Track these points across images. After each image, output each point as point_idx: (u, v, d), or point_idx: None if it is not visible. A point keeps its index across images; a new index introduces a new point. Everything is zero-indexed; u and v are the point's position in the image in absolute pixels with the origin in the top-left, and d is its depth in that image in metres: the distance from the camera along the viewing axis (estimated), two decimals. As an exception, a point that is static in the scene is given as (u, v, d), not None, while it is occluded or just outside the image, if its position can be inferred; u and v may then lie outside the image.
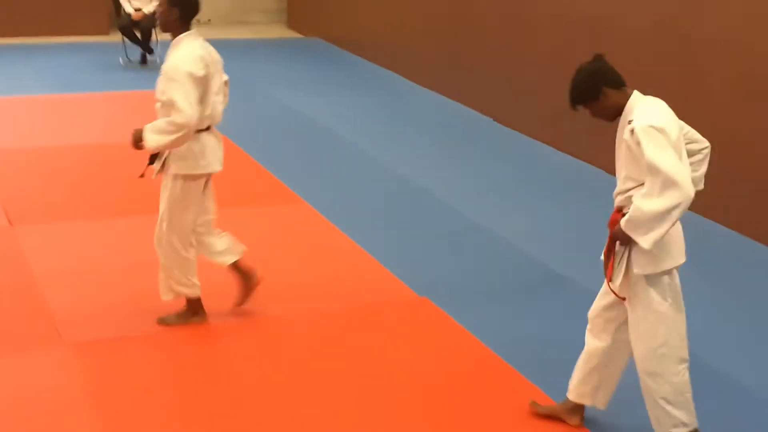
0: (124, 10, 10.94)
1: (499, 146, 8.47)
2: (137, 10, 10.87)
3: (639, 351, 3.82)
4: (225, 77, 4.86)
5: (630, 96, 3.72)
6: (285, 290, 5.32)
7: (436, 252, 6.11)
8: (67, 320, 4.90)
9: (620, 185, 3.75)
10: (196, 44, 4.68)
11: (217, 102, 4.74)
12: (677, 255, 3.76)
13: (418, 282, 5.56)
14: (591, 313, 4.01)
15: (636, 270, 3.72)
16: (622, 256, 3.76)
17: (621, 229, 3.66)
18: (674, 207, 3.51)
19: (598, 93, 3.71)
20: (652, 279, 3.73)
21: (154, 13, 10.88)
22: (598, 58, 3.79)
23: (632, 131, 3.59)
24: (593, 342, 3.99)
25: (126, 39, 11.04)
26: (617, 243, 3.75)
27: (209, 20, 13.90)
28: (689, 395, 3.83)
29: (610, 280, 3.82)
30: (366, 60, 11.80)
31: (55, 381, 4.39)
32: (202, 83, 4.56)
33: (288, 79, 10.80)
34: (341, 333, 4.96)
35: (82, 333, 4.79)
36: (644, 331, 3.78)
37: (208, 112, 4.63)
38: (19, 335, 4.77)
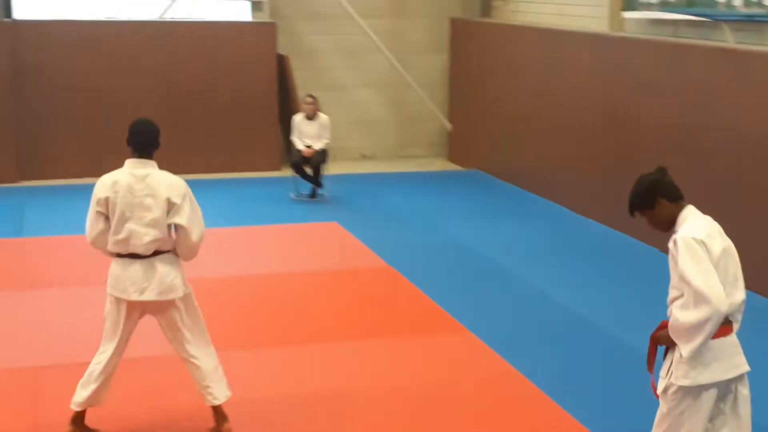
0: (295, 147, 11.53)
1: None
2: (308, 146, 11.43)
3: None
4: None
5: (684, 209, 3.97)
6: (451, 419, 5.33)
7: (603, 384, 6.00)
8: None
9: (670, 294, 3.95)
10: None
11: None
12: (720, 371, 3.84)
13: (587, 416, 5.46)
14: None
15: (672, 380, 3.89)
16: (670, 366, 3.94)
17: (667, 334, 3.89)
18: (707, 320, 3.67)
19: (653, 203, 4.00)
20: (688, 390, 3.87)
21: (324, 150, 11.44)
22: (660, 170, 4.07)
23: (675, 242, 3.84)
24: None
25: (297, 174, 11.59)
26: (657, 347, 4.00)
27: (373, 154, 14.43)
28: None
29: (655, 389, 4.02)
30: (525, 190, 11.94)
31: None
32: None
33: (450, 210, 11.03)
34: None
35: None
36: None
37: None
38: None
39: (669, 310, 3.93)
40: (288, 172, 11.91)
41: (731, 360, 3.88)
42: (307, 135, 11.51)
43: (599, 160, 10.41)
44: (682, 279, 3.74)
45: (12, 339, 6.63)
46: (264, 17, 13.55)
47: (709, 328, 3.68)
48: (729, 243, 3.93)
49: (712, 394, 3.88)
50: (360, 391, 5.80)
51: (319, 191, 11.63)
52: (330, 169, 11.75)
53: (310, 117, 11.50)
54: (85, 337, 6.63)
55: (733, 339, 3.91)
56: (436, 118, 14.41)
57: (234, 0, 13.80)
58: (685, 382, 3.84)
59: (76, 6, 13.29)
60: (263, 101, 13.19)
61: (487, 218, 10.73)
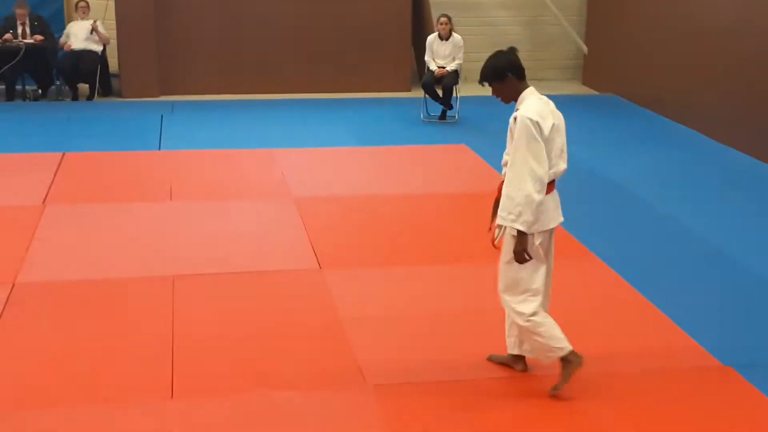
0: (428, 67, 11.44)
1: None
2: (440, 67, 11.32)
3: None
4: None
5: (527, 88, 4.63)
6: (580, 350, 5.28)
7: (743, 321, 5.82)
8: (370, 363, 5.16)
9: (504, 158, 4.73)
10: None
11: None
12: (545, 222, 4.70)
13: (722, 350, 5.33)
14: None
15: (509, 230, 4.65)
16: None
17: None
18: (535, 191, 4.51)
19: (504, 77, 4.63)
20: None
21: (455, 71, 11.32)
22: (512, 49, 4.70)
23: (515, 118, 4.56)
24: None
25: (427, 95, 11.53)
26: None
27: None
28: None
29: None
30: (664, 117, 11.55)
31: (356, 421, 4.61)
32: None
33: (585, 138, 10.77)
34: (636, 396, 4.84)
35: (384, 376, 5.01)
36: None
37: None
38: (324, 374, 5.05)
39: (503, 170, 4.70)
40: (419, 93, 11.85)
41: (553, 213, 4.74)
42: (440, 55, 11.40)
43: (744, 88, 9.94)
44: (516, 153, 4.51)
45: (150, 248, 6.90)
46: (399, -64, 13.37)
47: (537, 197, 4.51)
48: (559, 121, 4.65)
49: (540, 239, 4.69)
50: (485, 311, 5.80)
51: (449, 113, 11.55)
52: (461, 91, 11.63)
53: (444, 37, 11.37)
54: (217, 249, 6.88)
55: (555, 196, 4.79)
56: (571, 40, 14.03)
57: None
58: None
59: None
60: (396, 21, 13.11)
61: (622, 145, 10.45)
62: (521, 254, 4.61)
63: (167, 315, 5.73)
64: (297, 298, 6.06)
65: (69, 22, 12.67)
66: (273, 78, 12.90)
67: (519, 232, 4.56)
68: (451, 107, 11.50)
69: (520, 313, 4.75)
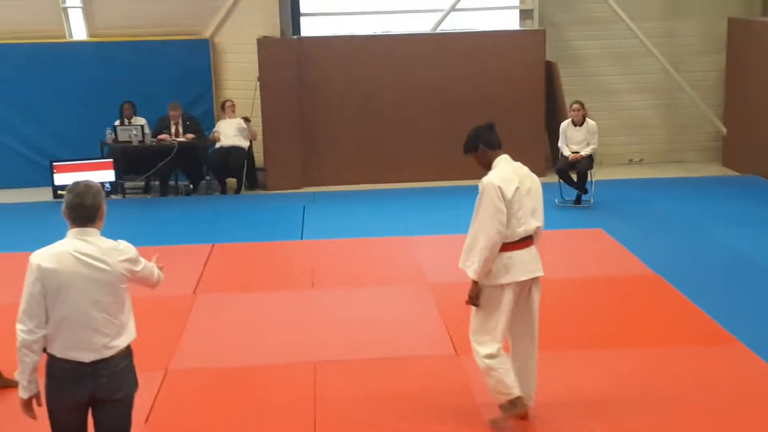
0: (561, 153, 11.54)
1: None
2: (574, 153, 11.41)
3: None
4: None
5: (498, 156, 5.31)
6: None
7: None
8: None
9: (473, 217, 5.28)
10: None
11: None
12: (516, 274, 5.25)
13: None
14: None
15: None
16: None
17: None
18: (484, 248, 5.16)
19: (477, 148, 5.36)
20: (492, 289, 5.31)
21: (590, 156, 11.38)
22: (489, 124, 5.40)
23: (482, 183, 5.20)
24: None
25: (561, 180, 11.59)
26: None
27: (641, 159, 14.12)
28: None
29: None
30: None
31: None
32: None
33: (724, 217, 10.60)
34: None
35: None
36: None
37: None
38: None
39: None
40: (553, 178, 11.94)
41: (527, 266, 5.25)
42: (573, 141, 11.50)
43: None
44: (477, 212, 5.19)
45: (293, 335, 7.17)
46: (533, 25, 13.65)
47: (488, 253, 5.13)
48: (532, 184, 5.29)
49: (511, 291, 5.22)
50: (626, 399, 5.75)
51: (584, 197, 11.57)
52: (596, 175, 11.65)
53: (578, 123, 11.48)
54: (356, 336, 7.08)
55: (531, 251, 5.33)
56: (708, 122, 13.86)
57: (503, 9, 14.02)
58: (488, 282, 5.23)
59: (354, 22, 14.07)
60: (531, 108, 13.28)
61: (765, 226, 10.19)
62: (471, 299, 5.31)
63: (309, 400, 5.93)
64: (435, 384, 6.16)
65: (218, 120, 13.43)
66: (408, 167, 13.23)
67: (473, 280, 5.26)
68: (585, 192, 11.52)
69: (478, 353, 5.35)
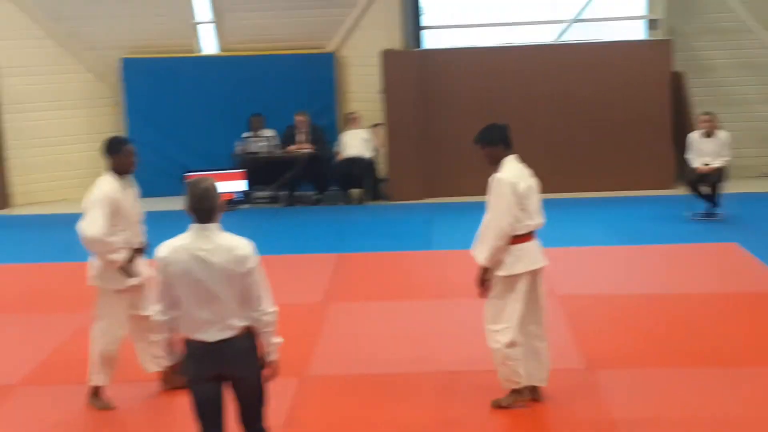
0: (690, 165, 11.29)
1: None
2: (705, 164, 11.15)
3: None
4: None
5: (509, 155, 5.72)
6: None
7: None
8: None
9: (486, 212, 5.73)
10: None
11: None
12: (528, 264, 5.71)
13: None
14: None
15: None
16: None
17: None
18: (497, 237, 5.61)
19: (495, 144, 5.74)
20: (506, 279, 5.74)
21: (721, 168, 11.10)
22: (506, 125, 5.79)
23: (494, 178, 5.65)
24: None
25: (693, 193, 11.34)
26: None
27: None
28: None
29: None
30: None
31: None
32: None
33: None
34: None
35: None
36: None
37: None
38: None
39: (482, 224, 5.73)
40: (681, 191, 11.68)
41: (537, 256, 5.74)
42: (704, 153, 11.24)
43: None
44: (492, 205, 5.60)
45: (422, 345, 7.23)
46: (660, 35, 13.41)
47: (499, 242, 5.56)
48: (534, 184, 5.74)
49: (525, 280, 5.65)
50: (755, 420, 5.61)
51: (716, 210, 11.28)
52: (728, 188, 11.35)
53: (708, 134, 11.22)
54: (486, 346, 7.08)
55: (537, 243, 5.79)
56: None
57: (630, 19, 13.83)
58: (503, 272, 5.64)
59: (475, 33, 14.11)
60: (657, 119, 13.07)
61: None
62: (481, 283, 5.74)
63: (441, 409, 5.99)
64: (565, 397, 6.10)
65: (341, 132, 13.65)
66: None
67: (482, 266, 5.66)
68: (717, 204, 11.23)
69: (498, 341, 5.69)
